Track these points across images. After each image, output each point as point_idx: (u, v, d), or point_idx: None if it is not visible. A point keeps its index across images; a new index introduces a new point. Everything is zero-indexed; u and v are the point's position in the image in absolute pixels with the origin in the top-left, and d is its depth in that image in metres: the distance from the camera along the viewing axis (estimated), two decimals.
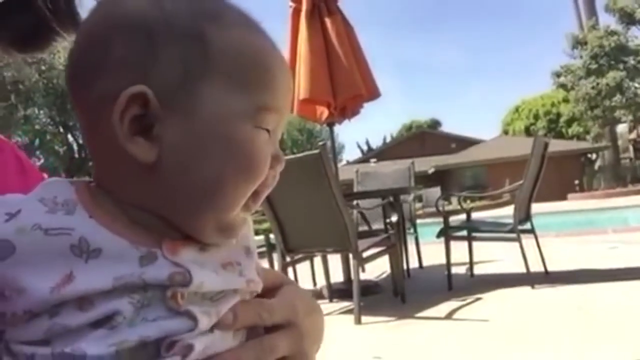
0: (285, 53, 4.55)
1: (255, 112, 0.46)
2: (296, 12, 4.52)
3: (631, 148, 29.34)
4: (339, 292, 4.24)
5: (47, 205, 0.42)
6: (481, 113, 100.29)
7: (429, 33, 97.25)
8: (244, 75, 0.45)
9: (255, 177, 0.46)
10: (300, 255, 4.22)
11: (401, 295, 3.89)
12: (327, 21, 4.45)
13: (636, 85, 23.03)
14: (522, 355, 2.53)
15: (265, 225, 4.87)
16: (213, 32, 0.44)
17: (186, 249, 0.44)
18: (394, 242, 3.95)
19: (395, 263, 4.05)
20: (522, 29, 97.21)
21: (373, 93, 4.76)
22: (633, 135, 29.96)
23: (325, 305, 4.10)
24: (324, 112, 4.72)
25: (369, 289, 4.26)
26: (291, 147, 39.28)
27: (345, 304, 3.95)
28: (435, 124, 54.33)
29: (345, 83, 4.46)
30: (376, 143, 51.24)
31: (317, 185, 3.41)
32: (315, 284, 4.96)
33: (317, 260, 4.72)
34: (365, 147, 50.84)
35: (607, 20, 25.09)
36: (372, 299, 4.06)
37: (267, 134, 0.47)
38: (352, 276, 3.63)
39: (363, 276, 4.83)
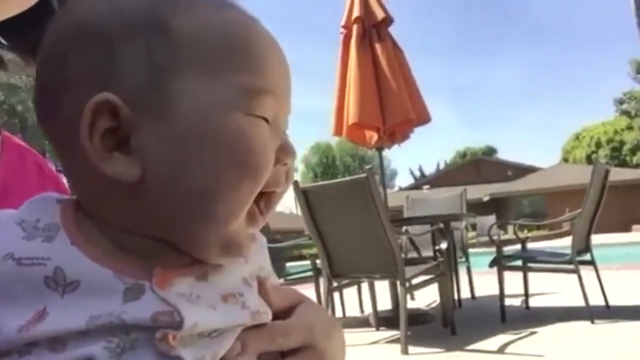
0: (336, 78, 4.58)
1: (243, 98, 0.40)
2: (347, 38, 4.56)
3: None
4: (386, 320, 4.14)
5: (26, 230, 0.38)
6: (539, 140, 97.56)
7: (484, 58, 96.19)
8: (222, 58, 0.40)
9: (257, 174, 0.39)
10: (346, 281, 4.16)
11: (451, 325, 3.74)
12: (378, 46, 4.46)
13: None
14: None
15: (314, 250, 4.85)
16: (177, 17, 0.39)
17: (180, 279, 0.38)
18: (443, 270, 3.82)
19: (445, 292, 3.92)
20: (581, 53, 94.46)
21: (423, 118, 4.70)
22: None
23: (372, 334, 4.00)
24: (373, 136, 4.70)
25: (418, 318, 4.14)
26: (343, 172, 39.32)
27: (392, 333, 3.84)
28: (490, 151, 53.28)
29: (395, 108, 4.43)
30: (429, 170, 50.74)
31: (364, 210, 3.37)
32: (362, 310, 4.87)
33: (365, 286, 4.64)
34: (418, 174, 50.36)
35: None
36: (420, 329, 3.93)
37: (266, 123, 0.41)
38: (400, 305, 3.53)
39: (412, 304, 4.73)
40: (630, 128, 28.05)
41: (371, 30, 4.45)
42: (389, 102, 4.41)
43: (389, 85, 4.42)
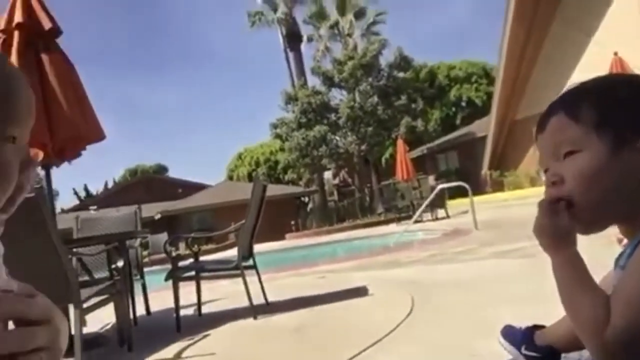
0: None
1: None
2: (6, 46, 4.13)
3: (335, 192, 33.74)
4: None
5: None
6: (207, 159, 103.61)
7: (153, 76, 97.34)
8: None
9: (5, 186, 0.52)
10: None
11: (128, 343, 3.77)
12: (44, 58, 4.16)
13: (337, 138, 26.83)
14: None
15: None
16: None
17: None
18: (120, 289, 3.83)
19: (122, 311, 3.92)
20: (243, 80, 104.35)
21: (96, 135, 4.58)
22: (336, 181, 34.59)
23: None
24: (38, 153, 4.35)
25: (92, 342, 4.01)
26: None
27: None
28: (161, 169, 53.79)
29: (64, 124, 4.20)
30: (96, 189, 48.11)
31: (33, 232, 3.13)
32: None
33: None
34: (83, 194, 47.13)
35: (314, 81, 28.89)
36: (96, 353, 3.83)
37: (12, 144, 0.53)
38: (73, 331, 3.37)
39: (84, 330, 4.52)
40: (282, 150, 32.23)
41: (37, 42, 4.14)
42: (57, 117, 4.16)
43: (57, 100, 4.17)
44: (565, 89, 0.96)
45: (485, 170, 23.49)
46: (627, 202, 0.82)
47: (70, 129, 4.23)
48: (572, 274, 0.83)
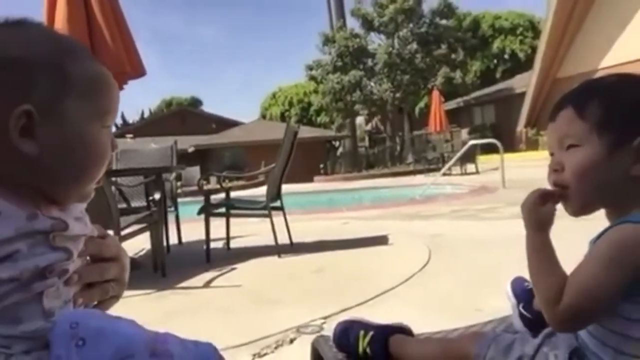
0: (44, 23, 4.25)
1: (101, 115, 0.69)
2: None
3: (367, 138, 33.65)
4: None
5: None
6: (241, 96, 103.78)
7: (189, 9, 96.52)
8: (91, 91, 0.68)
9: (104, 164, 0.70)
10: None
11: (162, 269, 4.07)
12: None
13: (372, 84, 26.48)
14: (268, 310, 2.98)
15: None
16: (69, 62, 0.66)
17: (54, 209, 0.66)
18: (156, 219, 4.10)
19: (157, 239, 4.20)
20: (281, 19, 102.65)
21: (138, 71, 4.75)
22: (368, 127, 34.44)
23: None
24: None
25: (131, 266, 4.32)
26: None
27: None
28: (196, 102, 54.23)
29: (108, 59, 4.36)
30: (132, 117, 49.04)
31: None
32: None
33: None
34: (120, 122, 48.10)
35: (353, 24, 28.24)
36: (131, 275, 4.13)
37: (108, 129, 0.70)
38: None
39: None
40: (316, 92, 32.01)
41: None
42: (102, 52, 4.32)
43: (102, 34, 4.32)
44: (581, 83, 1.06)
45: (521, 128, 23.06)
46: (613, 194, 0.95)
47: (115, 65, 4.38)
48: (540, 252, 0.98)
